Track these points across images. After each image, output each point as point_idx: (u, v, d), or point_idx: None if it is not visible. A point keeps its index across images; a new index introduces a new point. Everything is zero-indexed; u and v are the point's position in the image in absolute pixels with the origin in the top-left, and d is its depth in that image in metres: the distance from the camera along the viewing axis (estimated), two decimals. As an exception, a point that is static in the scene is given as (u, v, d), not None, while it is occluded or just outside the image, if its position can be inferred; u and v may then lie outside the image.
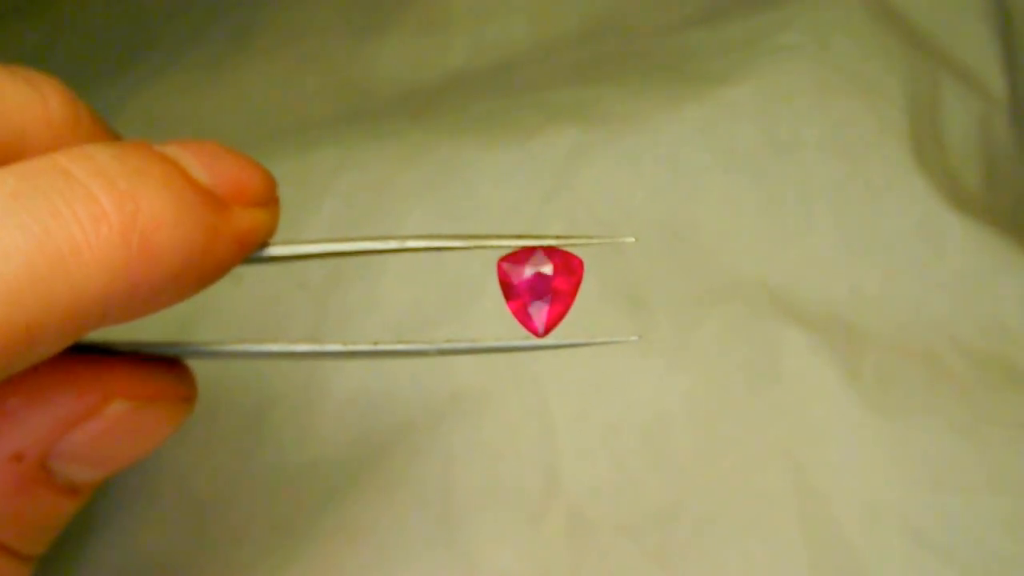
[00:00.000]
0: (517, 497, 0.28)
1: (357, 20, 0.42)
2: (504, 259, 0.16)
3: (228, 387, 0.30)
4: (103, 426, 0.16)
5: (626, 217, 0.32)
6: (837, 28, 0.34)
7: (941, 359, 0.29)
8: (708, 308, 0.30)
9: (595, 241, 0.16)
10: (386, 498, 0.28)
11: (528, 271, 0.15)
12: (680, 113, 0.33)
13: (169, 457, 0.29)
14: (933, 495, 0.26)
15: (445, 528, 0.27)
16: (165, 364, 0.17)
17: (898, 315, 0.30)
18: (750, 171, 0.32)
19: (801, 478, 0.27)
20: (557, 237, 0.15)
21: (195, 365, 0.18)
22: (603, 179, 0.32)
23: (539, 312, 0.15)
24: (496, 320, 0.29)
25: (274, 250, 0.16)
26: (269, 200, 0.16)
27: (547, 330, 0.15)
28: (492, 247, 0.16)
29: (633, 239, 0.16)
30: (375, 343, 0.16)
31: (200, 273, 0.14)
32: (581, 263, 0.16)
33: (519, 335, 0.16)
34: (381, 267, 0.32)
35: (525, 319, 0.15)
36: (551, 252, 0.15)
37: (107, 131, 0.17)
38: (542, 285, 0.15)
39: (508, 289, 0.15)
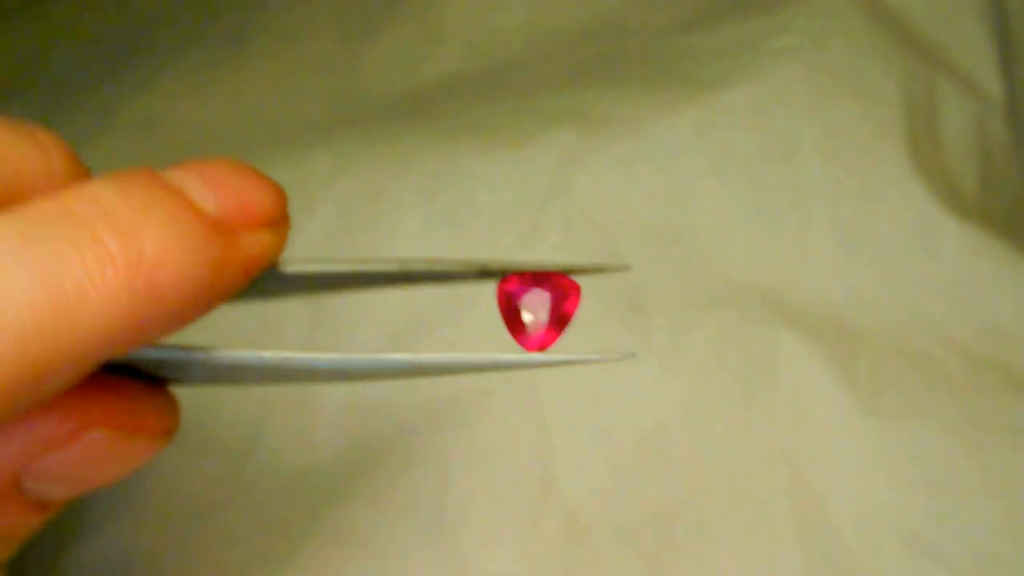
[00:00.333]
0: (513, 501, 0.28)
1: (352, 24, 0.42)
2: (504, 283, 0.16)
3: (225, 391, 0.30)
4: (80, 452, 0.16)
5: (621, 222, 0.32)
6: (833, 31, 0.34)
7: (937, 362, 0.29)
8: (704, 312, 0.30)
9: (596, 267, 0.16)
10: (382, 502, 0.28)
11: (527, 297, 0.15)
12: (676, 117, 0.33)
13: (164, 460, 0.29)
14: (928, 498, 0.26)
15: (441, 532, 0.27)
16: (150, 390, 0.17)
17: (894, 318, 0.30)
18: (746, 175, 0.32)
19: (796, 481, 0.27)
20: (558, 267, 0.15)
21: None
22: (598, 184, 0.32)
23: (536, 335, 0.15)
24: (489, 325, 0.29)
25: (287, 268, 0.16)
26: (278, 219, 0.15)
27: (542, 349, 0.15)
28: (494, 272, 0.16)
29: (630, 266, 0.16)
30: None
31: (206, 303, 0.14)
32: (579, 289, 0.16)
33: (513, 346, 0.16)
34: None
35: (524, 342, 0.15)
36: (550, 277, 0.15)
37: None
38: (542, 311, 0.15)
39: (508, 313, 0.16)
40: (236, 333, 0.31)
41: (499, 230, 0.32)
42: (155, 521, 0.29)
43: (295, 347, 0.29)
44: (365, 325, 0.31)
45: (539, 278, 0.16)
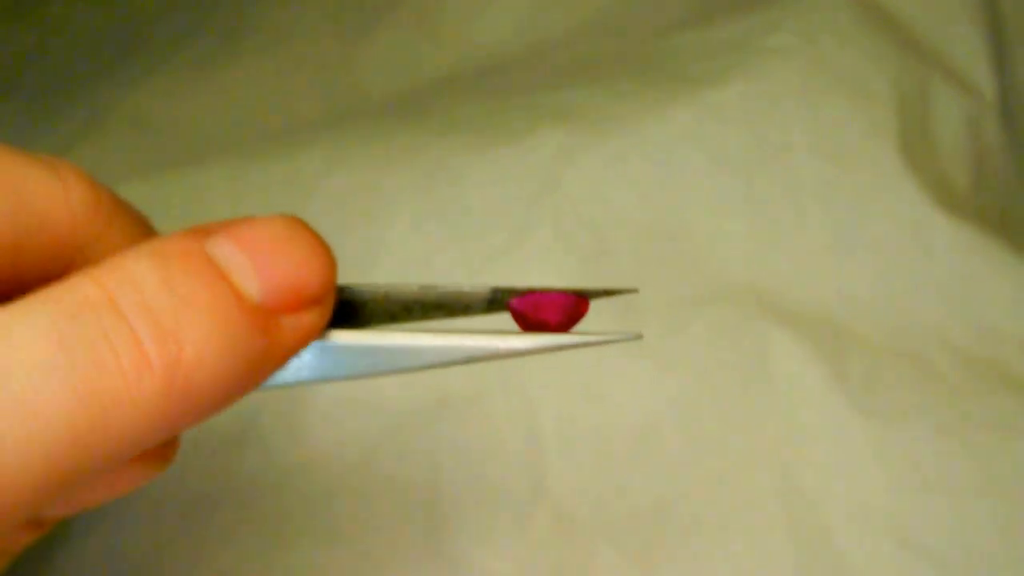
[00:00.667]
0: (503, 499, 0.28)
1: (346, 22, 0.42)
2: (516, 300, 0.16)
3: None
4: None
5: (614, 219, 0.32)
6: (826, 30, 0.34)
7: (929, 361, 0.29)
8: (697, 310, 0.30)
9: (606, 290, 0.16)
10: (373, 500, 0.28)
11: (539, 312, 0.16)
12: (669, 115, 0.33)
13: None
14: (920, 497, 0.26)
15: (431, 529, 0.27)
16: None
17: (887, 317, 0.30)
18: (739, 173, 0.32)
19: (788, 480, 0.27)
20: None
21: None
22: (591, 181, 0.32)
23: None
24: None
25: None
26: (324, 296, 0.14)
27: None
28: (504, 296, 0.16)
29: (638, 289, 0.17)
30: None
31: (241, 395, 0.14)
32: (588, 305, 0.16)
33: (513, 331, 0.15)
34: (371, 262, 0.32)
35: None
36: (562, 296, 0.15)
37: (128, 212, 0.17)
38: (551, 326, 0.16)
39: (522, 324, 0.16)
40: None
41: (491, 227, 0.32)
42: (147, 518, 0.29)
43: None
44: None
45: (554, 296, 0.16)
